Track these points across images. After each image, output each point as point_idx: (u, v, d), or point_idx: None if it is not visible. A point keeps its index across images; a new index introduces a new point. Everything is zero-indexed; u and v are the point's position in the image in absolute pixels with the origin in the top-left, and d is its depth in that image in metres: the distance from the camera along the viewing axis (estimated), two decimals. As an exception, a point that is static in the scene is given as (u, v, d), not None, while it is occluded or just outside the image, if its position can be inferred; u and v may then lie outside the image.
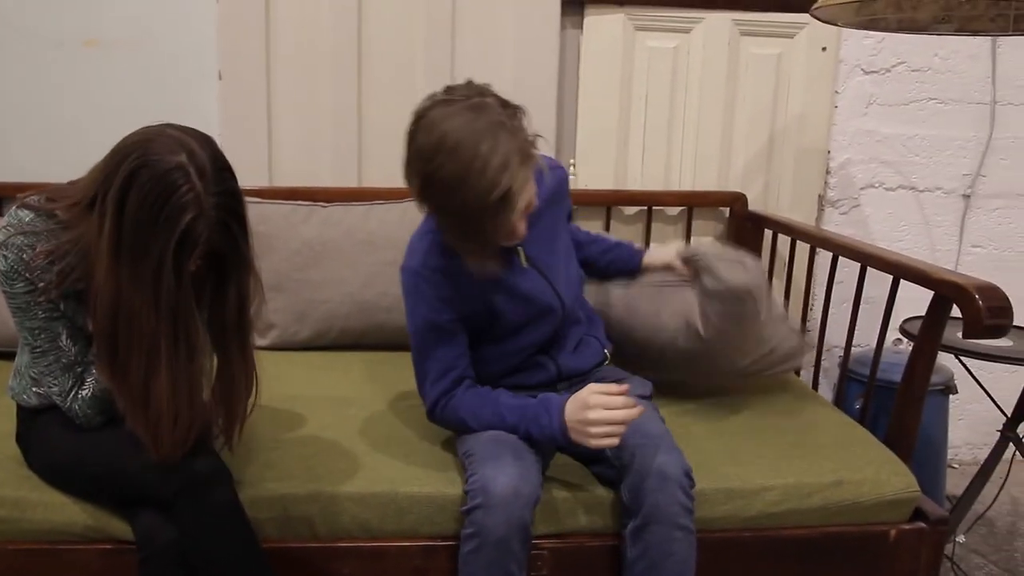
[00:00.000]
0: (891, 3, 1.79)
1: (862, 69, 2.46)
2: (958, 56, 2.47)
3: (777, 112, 2.44)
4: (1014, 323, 1.55)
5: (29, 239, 1.25)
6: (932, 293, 1.61)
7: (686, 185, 2.44)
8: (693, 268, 1.74)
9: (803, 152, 2.47)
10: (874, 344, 1.84)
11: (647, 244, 2.37)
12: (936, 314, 1.61)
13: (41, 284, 1.25)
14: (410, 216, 1.86)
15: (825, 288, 2.07)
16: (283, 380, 1.86)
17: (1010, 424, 2.03)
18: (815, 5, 1.79)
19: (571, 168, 2.36)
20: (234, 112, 2.23)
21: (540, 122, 2.32)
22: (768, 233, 2.36)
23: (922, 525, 1.55)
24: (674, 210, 2.44)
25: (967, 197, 2.57)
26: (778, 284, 2.36)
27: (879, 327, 1.80)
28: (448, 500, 1.44)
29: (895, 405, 1.67)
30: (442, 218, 1.36)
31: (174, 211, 1.14)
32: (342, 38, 2.23)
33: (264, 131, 2.25)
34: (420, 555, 1.44)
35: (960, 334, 1.52)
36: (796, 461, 1.57)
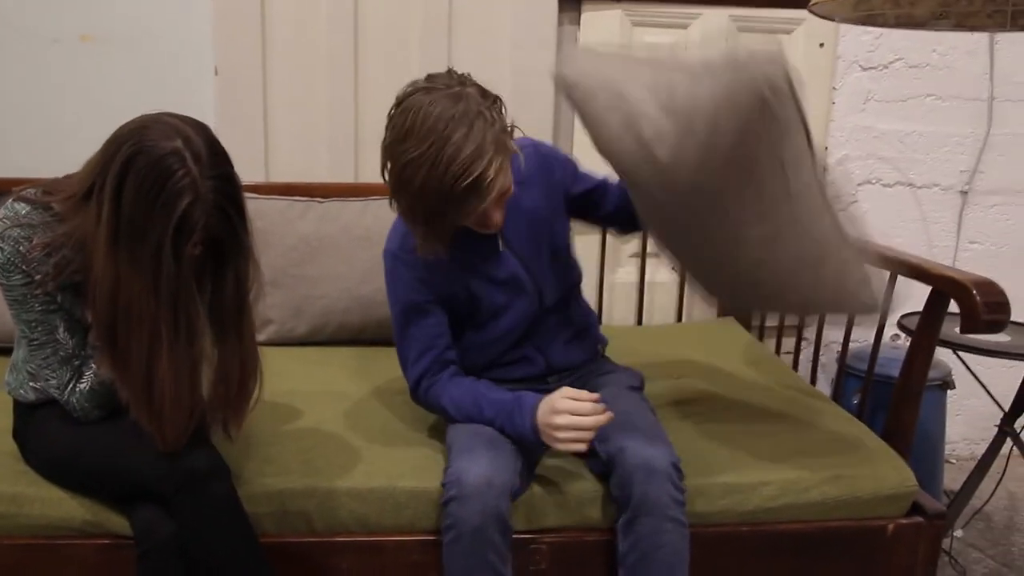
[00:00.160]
0: (889, -1, 1.79)
1: (860, 65, 2.45)
2: (956, 52, 2.47)
3: (775, 108, 2.44)
4: (1011, 318, 1.55)
5: (25, 231, 1.24)
6: (930, 288, 1.61)
7: (683, 181, 2.44)
8: None
9: (801, 148, 2.47)
10: (872, 339, 1.84)
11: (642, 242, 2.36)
12: (934, 309, 1.61)
13: (38, 276, 1.25)
14: (408, 211, 1.85)
15: (823, 284, 2.06)
16: (280, 375, 1.85)
17: (1007, 419, 2.03)
18: (812, 1, 1.78)
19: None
20: (230, 108, 2.23)
21: (537, 118, 2.35)
22: (766, 229, 2.36)
23: (920, 520, 1.55)
24: (672, 206, 2.44)
25: (965, 193, 2.57)
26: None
27: (877, 322, 1.80)
28: (446, 495, 1.44)
29: (893, 400, 1.67)
30: (405, 198, 1.35)
31: (171, 196, 1.14)
32: (338, 33, 2.23)
33: (260, 127, 2.25)
34: (418, 549, 1.44)
35: (958, 329, 1.52)
36: (794, 456, 1.57)
